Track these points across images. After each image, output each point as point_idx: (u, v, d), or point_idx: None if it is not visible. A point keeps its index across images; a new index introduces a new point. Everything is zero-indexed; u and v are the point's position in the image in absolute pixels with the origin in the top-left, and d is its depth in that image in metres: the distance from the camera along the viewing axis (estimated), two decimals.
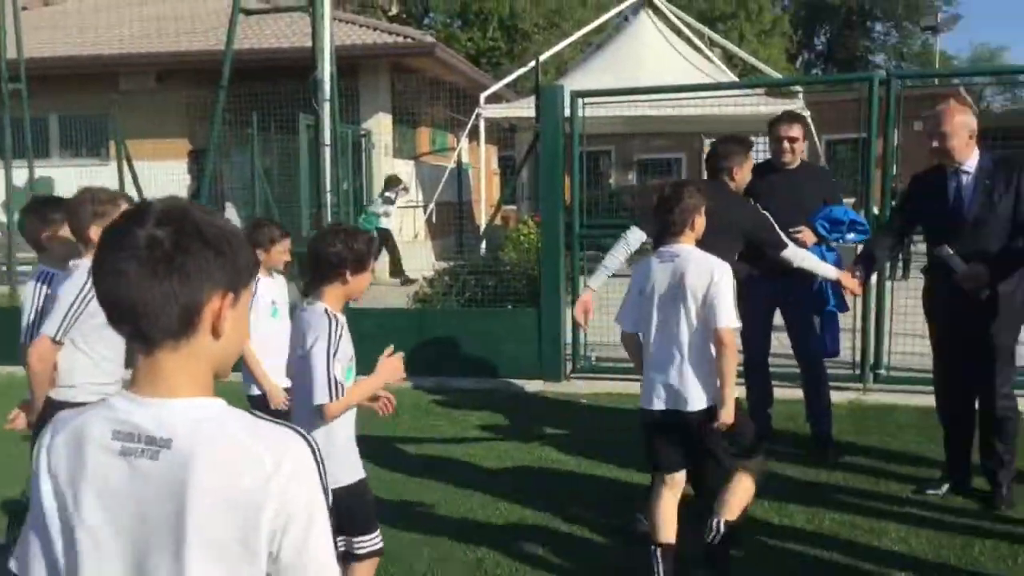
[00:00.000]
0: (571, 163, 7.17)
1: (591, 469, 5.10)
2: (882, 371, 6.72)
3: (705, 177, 5.05)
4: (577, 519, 4.33)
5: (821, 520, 4.25)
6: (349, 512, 2.84)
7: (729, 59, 20.74)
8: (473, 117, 14.79)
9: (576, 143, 7.08)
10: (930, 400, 4.83)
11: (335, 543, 2.32)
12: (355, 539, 2.96)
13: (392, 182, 13.59)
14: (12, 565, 1.37)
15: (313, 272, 2.94)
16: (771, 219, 4.62)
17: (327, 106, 6.75)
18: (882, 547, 3.95)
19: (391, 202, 13.37)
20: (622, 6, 17.35)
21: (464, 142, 15.53)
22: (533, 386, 7.08)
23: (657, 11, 15.99)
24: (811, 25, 47.95)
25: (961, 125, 4.31)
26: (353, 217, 11.58)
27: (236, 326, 1.34)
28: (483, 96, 14.84)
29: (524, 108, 13.80)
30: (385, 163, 14.70)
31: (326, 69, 6.72)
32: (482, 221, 15.07)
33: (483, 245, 10.49)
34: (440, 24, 36.00)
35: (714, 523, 3.49)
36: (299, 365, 2.88)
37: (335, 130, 6.94)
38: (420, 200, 15.78)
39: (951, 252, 4.24)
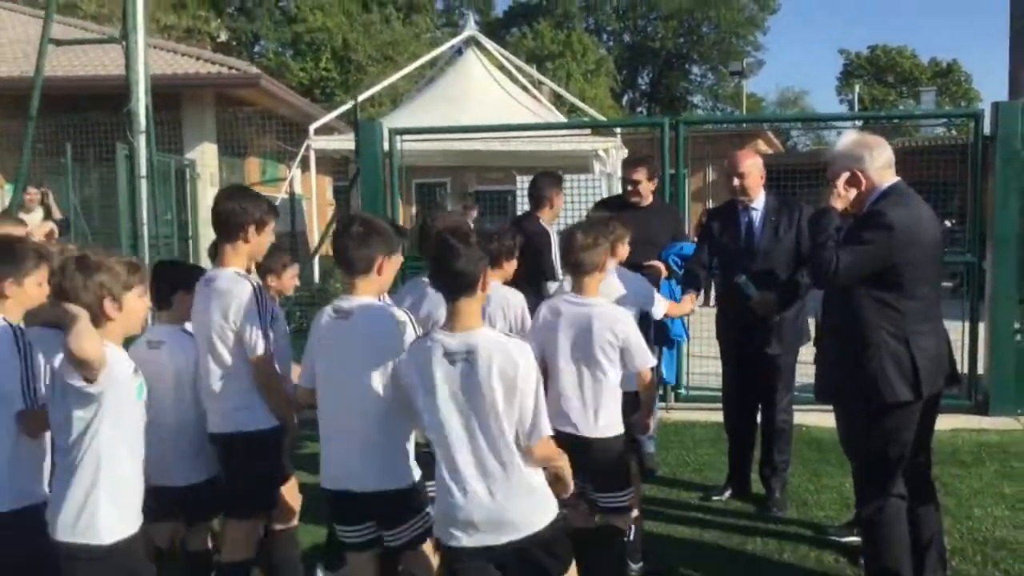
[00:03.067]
0: (392, 195, 7.37)
1: None
2: (682, 390, 7.27)
3: (529, 208, 5.54)
4: None
5: None
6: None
7: (558, 97, 21.62)
8: (303, 148, 14.75)
9: (395, 178, 7.30)
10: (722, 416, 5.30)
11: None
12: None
13: None
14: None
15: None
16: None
17: (142, 137, 6.67)
18: (672, 546, 4.33)
19: None
20: (451, 43, 17.83)
21: (296, 172, 15.44)
22: None
23: (484, 49, 16.52)
24: (634, 66, 50.51)
25: (754, 166, 4.86)
26: (177, 248, 11.31)
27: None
28: (312, 127, 14.84)
29: (352, 141, 13.93)
30: (211, 193, 14.40)
31: (141, 100, 6.65)
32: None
33: (316, 274, 10.49)
34: (271, 53, 35.52)
35: None
36: None
37: (151, 161, 6.85)
38: None
39: (747, 280, 4.73)
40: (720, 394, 5.18)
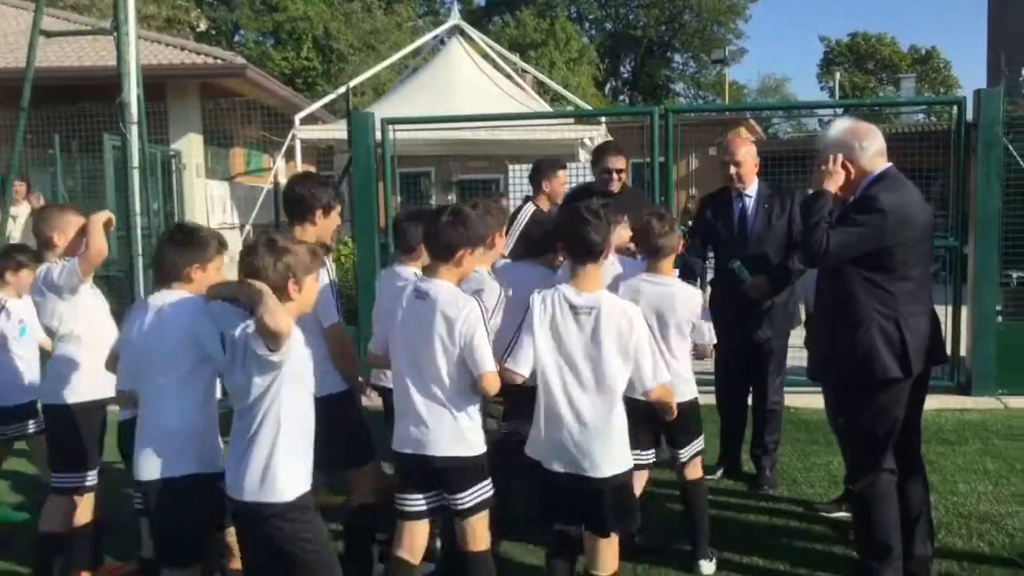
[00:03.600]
0: (385, 186, 7.43)
1: None
2: None
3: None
4: None
5: None
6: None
7: (540, 85, 21.66)
8: (289, 138, 14.74)
9: (387, 168, 7.36)
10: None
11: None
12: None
13: None
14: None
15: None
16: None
17: (135, 128, 6.68)
18: (667, 522, 4.43)
19: None
20: (435, 32, 17.82)
21: (281, 163, 15.43)
22: None
23: (468, 38, 16.52)
24: (617, 55, 50.54)
25: (748, 154, 4.97)
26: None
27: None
28: (298, 117, 14.83)
29: (339, 130, 13.92)
30: (197, 184, 14.39)
31: (133, 91, 6.65)
32: None
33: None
34: (251, 42, 35.31)
35: None
36: None
37: (144, 152, 6.87)
38: (236, 221, 15.52)
39: (741, 265, 4.84)
40: (713, 376, 5.29)
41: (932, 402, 5.89)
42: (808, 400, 6.05)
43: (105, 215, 3.78)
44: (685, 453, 3.99)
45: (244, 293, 2.73)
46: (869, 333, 3.41)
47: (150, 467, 2.99)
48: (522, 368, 3.16)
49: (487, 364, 3.06)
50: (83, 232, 3.73)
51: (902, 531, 3.58)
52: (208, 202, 14.98)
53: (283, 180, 16.58)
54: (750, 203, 4.97)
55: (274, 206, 15.26)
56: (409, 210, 4.37)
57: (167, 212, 12.68)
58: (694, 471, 4.04)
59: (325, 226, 3.67)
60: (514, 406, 3.70)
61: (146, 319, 3.06)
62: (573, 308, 3.10)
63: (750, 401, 5.25)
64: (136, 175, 6.79)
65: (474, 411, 3.20)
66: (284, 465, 2.77)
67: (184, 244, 3.14)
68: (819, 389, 4.54)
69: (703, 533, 4.00)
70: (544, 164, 5.67)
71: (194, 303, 3.03)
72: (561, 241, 3.37)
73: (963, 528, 4.36)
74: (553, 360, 3.13)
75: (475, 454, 3.18)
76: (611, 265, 3.93)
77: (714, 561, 3.96)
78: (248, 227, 15.32)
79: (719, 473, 5.19)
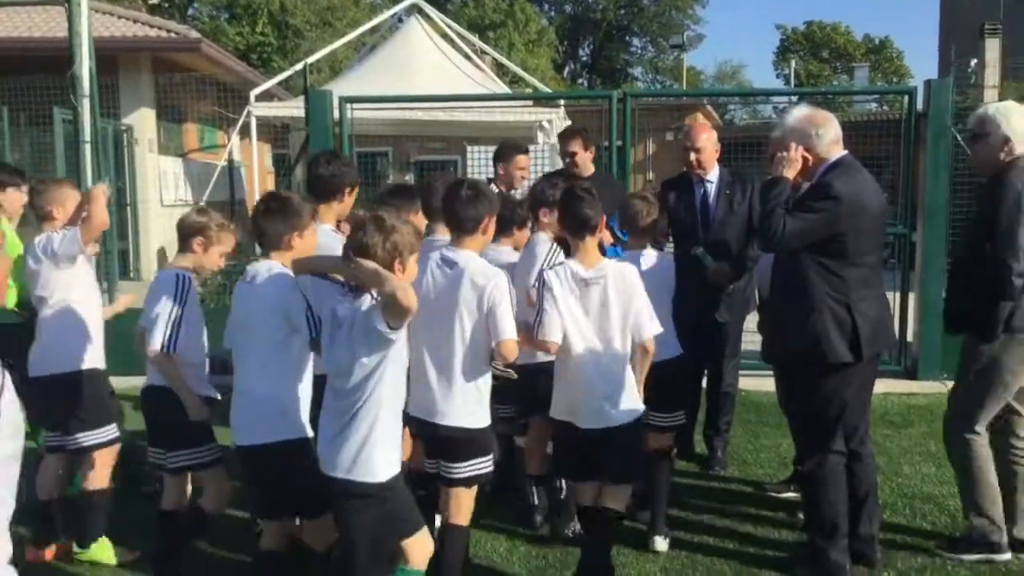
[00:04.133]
0: None
1: None
2: None
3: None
4: None
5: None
6: None
7: (500, 67, 21.57)
8: (244, 115, 14.52)
9: (345, 146, 7.30)
10: None
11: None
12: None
13: None
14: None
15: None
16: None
17: (86, 102, 6.53)
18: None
19: None
20: (394, 9, 17.64)
21: (235, 139, 15.20)
22: None
23: (427, 17, 16.38)
24: (575, 37, 50.49)
25: (709, 141, 4.99)
26: (116, 214, 11.09)
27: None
28: (253, 94, 14.60)
29: (295, 108, 13.73)
30: (150, 160, 14.13)
31: (84, 64, 6.49)
32: None
33: (257, 246, 10.31)
34: (206, 16, 34.63)
35: None
36: None
37: (95, 127, 6.72)
38: (190, 199, 15.28)
39: (704, 251, 4.88)
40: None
41: (880, 386, 6.00)
42: (759, 383, 6.16)
43: (105, 187, 3.89)
44: (657, 419, 4.01)
45: (353, 270, 2.80)
46: (822, 317, 3.48)
47: (242, 433, 3.13)
48: (554, 336, 3.33)
49: (509, 332, 3.15)
50: (81, 206, 3.84)
51: (849, 511, 3.67)
52: (160, 178, 14.73)
53: (237, 157, 16.40)
54: (712, 189, 5.01)
55: (230, 183, 15.10)
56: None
57: (119, 187, 12.46)
58: (659, 441, 4.10)
59: (347, 205, 3.85)
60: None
61: (245, 289, 3.18)
62: (584, 280, 3.35)
63: (704, 383, 5.33)
64: (88, 150, 6.65)
65: (484, 385, 3.28)
66: (379, 445, 2.82)
67: (280, 212, 3.20)
68: (770, 372, 4.65)
69: (662, 509, 4.07)
70: (503, 148, 5.63)
71: (284, 277, 3.12)
72: (561, 220, 3.60)
73: (907, 508, 4.49)
74: (575, 327, 3.35)
75: (479, 427, 3.25)
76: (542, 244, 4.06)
77: (668, 539, 4.03)
78: (202, 204, 15.11)
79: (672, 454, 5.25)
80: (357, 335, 2.77)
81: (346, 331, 2.81)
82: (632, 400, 3.45)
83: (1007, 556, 3.82)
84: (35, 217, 3.95)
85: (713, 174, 5.03)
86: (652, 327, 3.45)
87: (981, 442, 3.84)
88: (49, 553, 3.95)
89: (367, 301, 2.77)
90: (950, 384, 6.93)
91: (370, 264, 2.73)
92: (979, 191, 3.52)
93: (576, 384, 3.39)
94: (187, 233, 3.60)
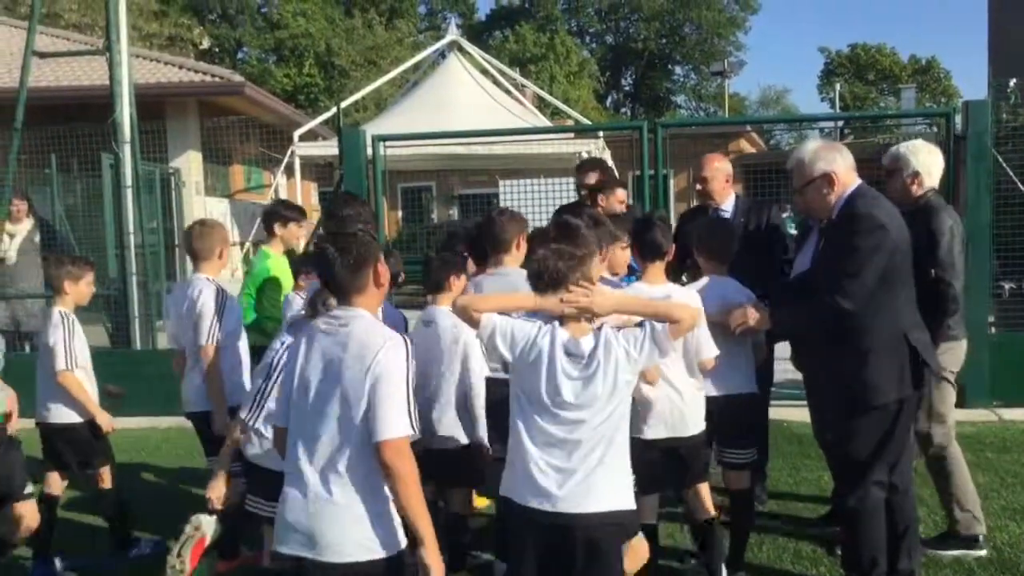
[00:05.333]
0: (377, 202, 7.45)
1: None
2: None
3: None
4: None
5: None
6: None
7: (541, 99, 21.73)
8: (288, 154, 14.81)
9: (378, 184, 7.38)
10: None
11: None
12: None
13: None
14: None
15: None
16: None
17: (127, 148, 6.72)
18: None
19: None
20: (434, 47, 17.93)
21: (281, 179, 15.49)
22: None
23: (467, 54, 16.62)
24: (618, 68, 50.72)
25: (719, 171, 4.92)
26: (163, 256, 11.33)
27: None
28: (297, 134, 14.90)
29: (337, 147, 13.99)
30: (197, 201, 14.45)
31: (125, 111, 6.70)
32: None
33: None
34: (254, 59, 35.51)
35: None
36: None
37: (136, 170, 6.90)
38: (237, 238, 15.58)
39: None
40: None
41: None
42: (800, 414, 6.01)
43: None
44: (730, 455, 3.99)
45: (562, 305, 2.80)
46: (873, 354, 3.36)
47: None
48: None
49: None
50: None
51: (888, 545, 3.55)
52: None
53: (283, 196, 16.71)
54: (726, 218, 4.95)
55: None
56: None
57: (167, 229, 12.73)
58: (738, 481, 4.05)
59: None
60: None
61: (422, 329, 3.70)
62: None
63: None
64: (129, 194, 6.82)
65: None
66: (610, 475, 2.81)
67: (445, 257, 3.77)
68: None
69: (741, 550, 4.05)
70: (606, 182, 5.22)
71: (450, 317, 3.45)
72: (635, 244, 3.84)
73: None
74: None
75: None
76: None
77: None
78: (248, 244, 15.39)
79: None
80: (610, 363, 2.74)
81: (597, 362, 2.75)
82: (701, 412, 3.68)
83: (983, 552, 4.12)
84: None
85: (728, 203, 4.94)
86: (710, 349, 3.60)
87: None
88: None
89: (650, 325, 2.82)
90: (1001, 412, 6.80)
91: (609, 293, 2.93)
92: (906, 220, 3.45)
93: (651, 399, 3.58)
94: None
